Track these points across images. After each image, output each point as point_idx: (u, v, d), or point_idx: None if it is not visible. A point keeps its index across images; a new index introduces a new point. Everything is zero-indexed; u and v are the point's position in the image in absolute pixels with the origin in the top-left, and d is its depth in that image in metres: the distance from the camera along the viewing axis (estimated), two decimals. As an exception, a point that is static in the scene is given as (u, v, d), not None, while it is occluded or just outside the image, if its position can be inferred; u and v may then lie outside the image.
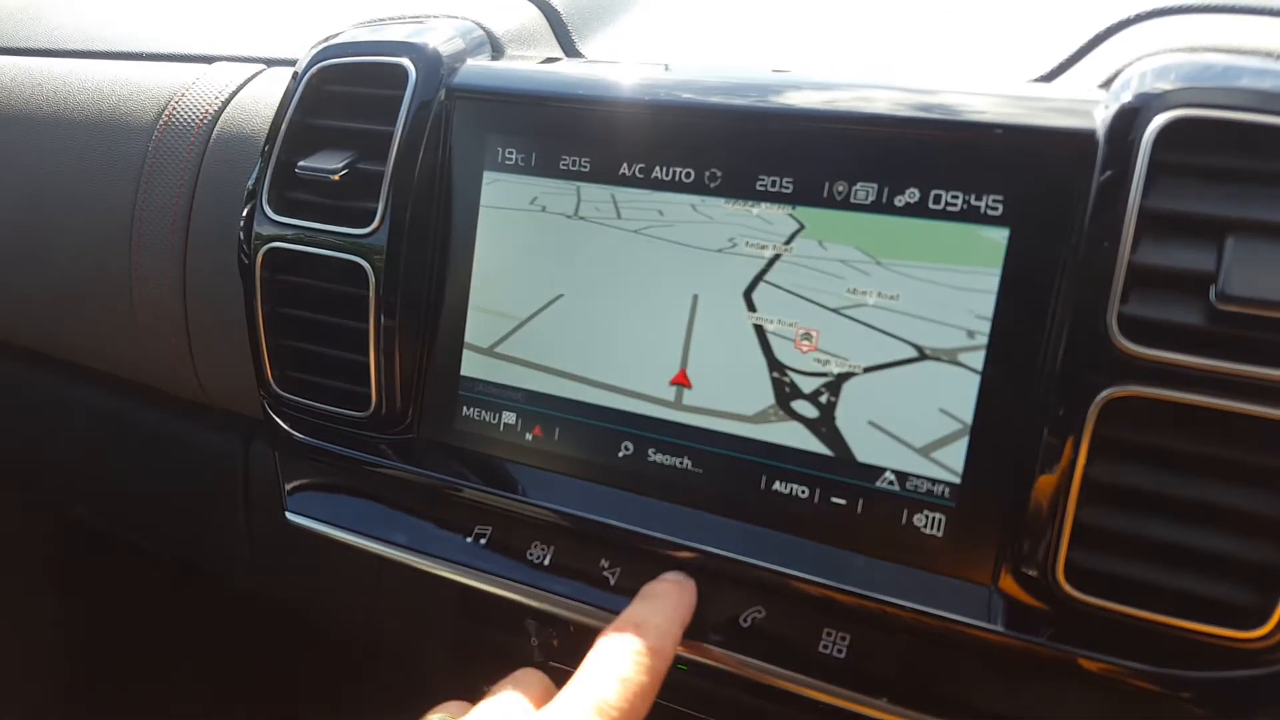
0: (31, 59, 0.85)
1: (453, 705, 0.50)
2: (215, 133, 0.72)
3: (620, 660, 0.45)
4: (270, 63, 0.75)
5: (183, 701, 1.20)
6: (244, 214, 0.63)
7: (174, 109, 0.74)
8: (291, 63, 0.66)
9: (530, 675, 0.49)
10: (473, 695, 0.75)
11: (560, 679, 0.71)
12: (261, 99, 0.72)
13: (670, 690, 0.67)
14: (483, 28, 0.62)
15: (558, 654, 0.67)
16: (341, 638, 0.93)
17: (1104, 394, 0.42)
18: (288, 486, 0.65)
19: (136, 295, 0.75)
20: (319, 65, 0.61)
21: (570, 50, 0.65)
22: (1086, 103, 0.45)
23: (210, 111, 0.73)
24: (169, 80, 0.77)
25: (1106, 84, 0.46)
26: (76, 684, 1.20)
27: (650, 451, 0.54)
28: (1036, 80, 0.51)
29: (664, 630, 0.47)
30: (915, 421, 0.48)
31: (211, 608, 1.15)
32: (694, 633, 0.52)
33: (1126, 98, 0.43)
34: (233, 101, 0.73)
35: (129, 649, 1.21)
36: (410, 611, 0.76)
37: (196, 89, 0.75)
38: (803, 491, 0.51)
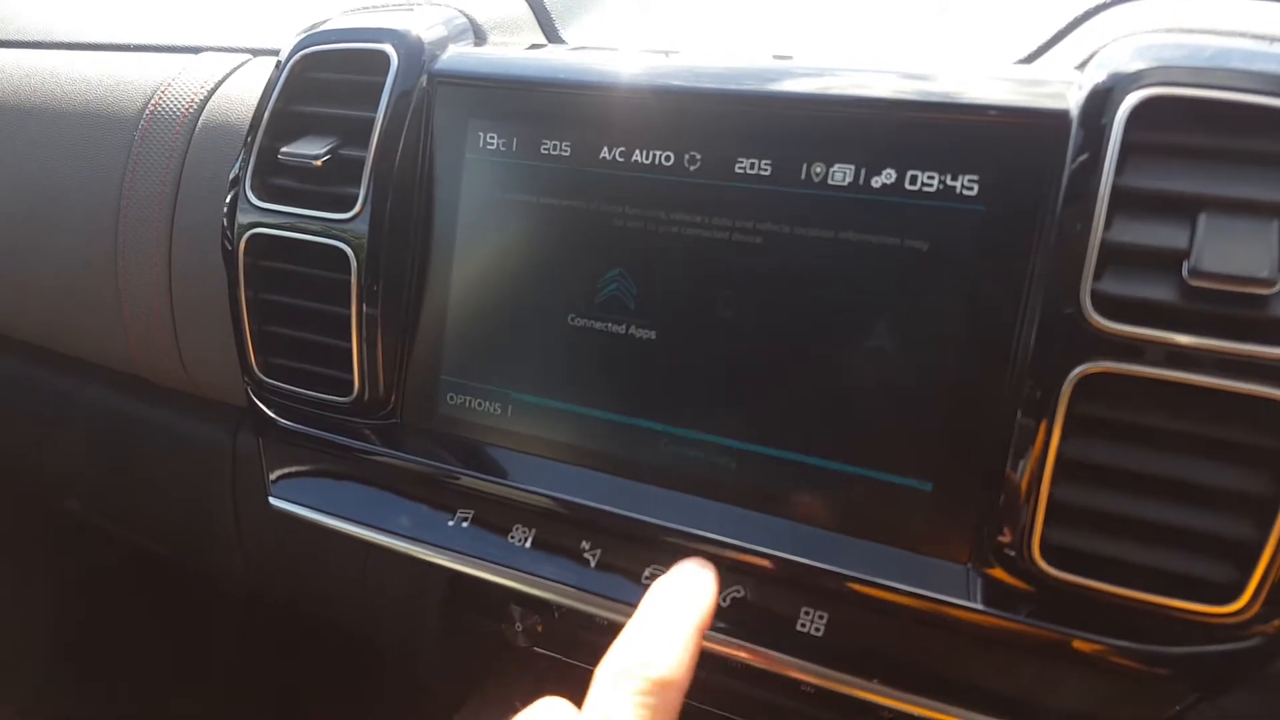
0: (18, 51, 0.85)
1: None
2: (200, 123, 0.72)
3: (620, 708, 0.37)
4: (256, 53, 0.76)
5: (170, 693, 1.20)
6: (227, 200, 0.63)
7: (160, 100, 0.74)
8: (277, 53, 0.66)
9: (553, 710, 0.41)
10: (460, 683, 0.75)
11: (545, 665, 0.71)
12: (247, 89, 0.72)
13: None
14: (465, 14, 0.62)
15: (542, 640, 0.67)
16: (329, 627, 0.93)
17: (1078, 370, 0.42)
18: (271, 473, 0.66)
19: (123, 285, 0.75)
20: (302, 52, 0.61)
21: (553, 37, 0.65)
22: (1060, 83, 0.45)
23: (196, 101, 0.73)
24: (155, 71, 0.77)
25: (1082, 65, 0.47)
26: (67, 677, 1.19)
27: (630, 435, 0.54)
28: (1016, 63, 0.52)
29: (676, 655, 0.39)
30: (891, 402, 0.48)
31: (201, 600, 1.15)
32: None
33: (1099, 77, 0.44)
34: (218, 91, 0.73)
35: (119, 642, 1.21)
36: (397, 599, 0.76)
37: (182, 79, 0.75)
38: (781, 473, 0.51)
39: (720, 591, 0.45)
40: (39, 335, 0.87)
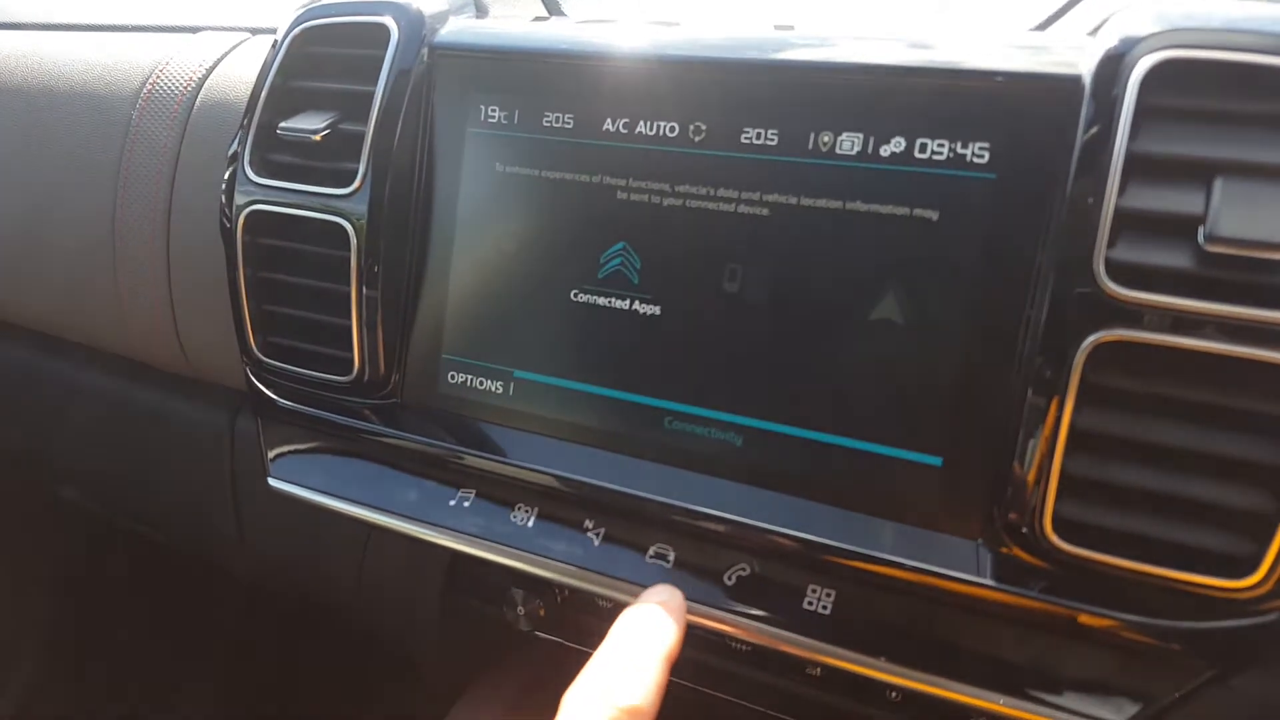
0: (15, 32, 0.85)
1: None
2: (198, 101, 0.71)
3: None
4: (255, 31, 0.75)
5: (168, 681, 1.20)
6: (225, 177, 0.63)
7: (158, 79, 0.73)
8: (276, 31, 0.65)
9: None
10: (460, 671, 0.74)
11: (546, 649, 0.70)
12: (245, 68, 0.72)
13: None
14: (466, -12, 0.61)
15: (544, 624, 0.66)
16: (328, 613, 0.93)
17: (1091, 339, 0.41)
18: (270, 453, 0.65)
19: (120, 267, 0.74)
20: (301, 26, 0.61)
21: (554, 10, 0.64)
22: (1072, 48, 0.44)
23: (194, 80, 0.72)
24: (152, 50, 0.76)
25: (1095, 32, 0.46)
26: (67, 665, 1.19)
27: (633, 412, 0.54)
28: (1031, 30, 0.51)
29: (644, 683, 0.40)
30: (900, 376, 0.48)
31: (198, 588, 1.15)
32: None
33: (1112, 42, 0.43)
34: (216, 70, 0.72)
35: (119, 630, 1.21)
36: (396, 584, 0.75)
37: (180, 58, 0.74)
38: (787, 449, 0.50)
39: (682, 625, 0.45)
40: (39, 320, 0.86)
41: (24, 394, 0.94)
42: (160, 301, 0.73)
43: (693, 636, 0.64)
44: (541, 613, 0.65)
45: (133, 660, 1.21)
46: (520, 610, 0.65)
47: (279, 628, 1.16)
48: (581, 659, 0.72)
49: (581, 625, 0.68)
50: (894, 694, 0.58)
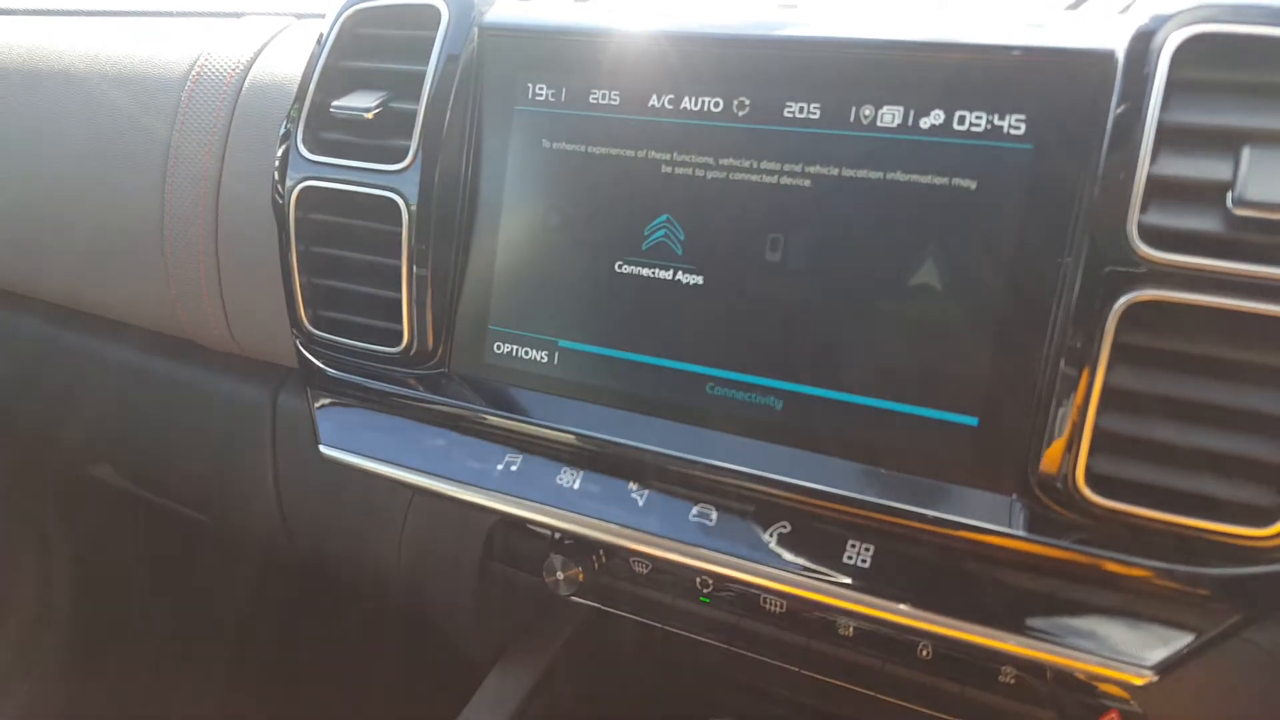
0: (64, 19, 0.87)
1: None
2: (246, 83, 0.73)
3: None
4: (299, 16, 0.77)
5: (202, 663, 1.22)
6: (279, 155, 0.65)
7: (205, 62, 0.76)
8: (320, 17, 0.67)
9: None
10: (496, 637, 0.76)
11: (580, 615, 0.72)
12: (291, 52, 0.74)
13: (694, 625, 0.69)
14: (512, -29, 0.63)
15: (583, 590, 0.68)
16: (366, 589, 0.95)
17: (1124, 299, 0.44)
18: (321, 421, 0.67)
19: (169, 246, 0.77)
20: (353, 8, 0.63)
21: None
22: (1105, 25, 0.46)
23: (241, 64, 0.74)
24: (198, 36, 0.78)
25: (1126, 10, 0.48)
26: (90, 645, 1.21)
27: (676, 379, 0.56)
28: (1065, 9, 0.53)
29: None
30: (938, 339, 0.50)
31: (233, 569, 1.17)
32: (720, 548, 0.53)
33: (1143, 20, 0.45)
34: (262, 54, 0.75)
35: (146, 613, 1.23)
36: (436, 554, 0.78)
37: (226, 43, 0.76)
38: (827, 411, 0.52)
39: None
40: (81, 299, 0.88)
41: (61, 372, 0.96)
42: (209, 279, 0.75)
43: (729, 600, 0.67)
44: (580, 577, 0.67)
45: (160, 641, 1.23)
46: (560, 575, 0.67)
47: (315, 601, 1.19)
48: (616, 623, 0.74)
49: (619, 591, 0.71)
50: (925, 651, 0.61)
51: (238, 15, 0.79)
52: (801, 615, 0.63)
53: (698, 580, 0.67)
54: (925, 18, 0.49)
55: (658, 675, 0.84)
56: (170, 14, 0.82)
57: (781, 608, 0.64)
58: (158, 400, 0.89)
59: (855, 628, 0.62)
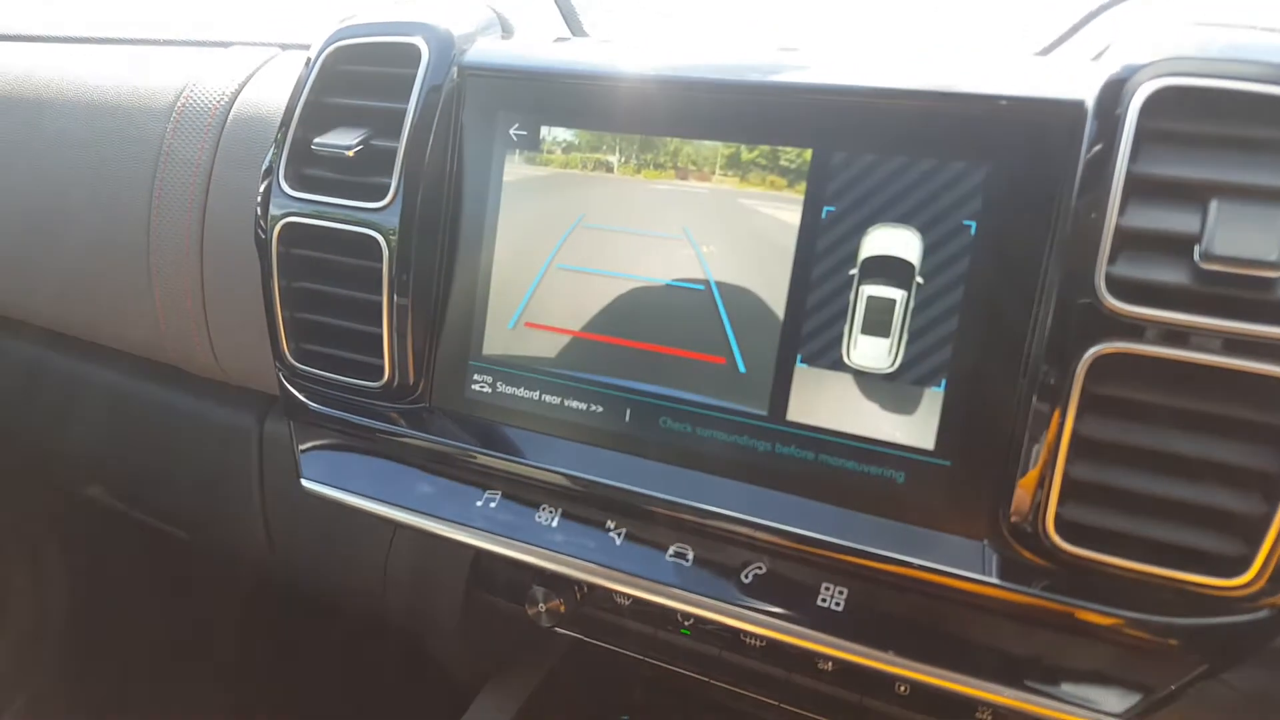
0: (52, 45, 0.87)
1: None
2: (231, 114, 0.74)
3: None
4: (285, 47, 0.77)
5: (190, 683, 1.22)
6: (261, 190, 0.65)
7: (191, 92, 0.76)
8: (306, 47, 0.68)
9: None
10: (480, 667, 0.76)
11: (564, 646, 0.73)
12: (276, 83, 0.74)
13: (676, 656, 0.69)
14: (493, 9, 0.63)
15: (564, 621, 0.69)
16: (351, 612, 0.95)
17: (1092, 351, 0.44)
18: (302, 455, 0.67)
19: (154, 274, 0.77)
20: (334, 45, 0.63)
21: (577, 30, 0.67)
22: (1075, 74, 0.47)
23: (227, 94, 0.75)
24: (184, 65, 0.79)
25: (1098, 58, 0.48)
26: (82, 664, 1.21)
27: (657, 417, 0.56)
28: (1035, 55, 0.53)
29: None
30: (911, 382, 0.50)
31: (221, 590, 1.17)
32: (696, 588, 0.54)
33: (1115, 68, 0.45)
34: (248, 85, 0.75)
35: (137, 632, 1.23)
36: (421, 582, 0.78)
37: (212, 73, 0.76)
38: (804, 454, 0.53)
39: None
40: (69, 324, 0.89)
41: (54, 394, 0.97)
42: (194, 308, 0.76)
43: (708, 633, 0.67)
44: (562, 609, 0.67)
45: (150, 660, 1.24)
46: (541, 607, 0.67)
47: (300, 626, 1.19)
48: (598, 654, 0.75)
49: (601, 622, 0.71)
50: (902, 688, 0.61)
51: (225, 45, 0.79)
52: (781, 649, 0.64)
53: (678, 613, 0.67)
54: (896, 65, 0.50)
55: (645, 698, 0.84)
56: (159, 42, 0.83)
57: (761, 642, 0.64)
58: (146, 424, 0.90)
59: (834, 663, 0.62)
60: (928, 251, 0.49)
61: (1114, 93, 0.45)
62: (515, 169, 0.59)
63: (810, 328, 0.52)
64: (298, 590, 0.96)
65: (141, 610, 1.22)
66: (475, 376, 0.61)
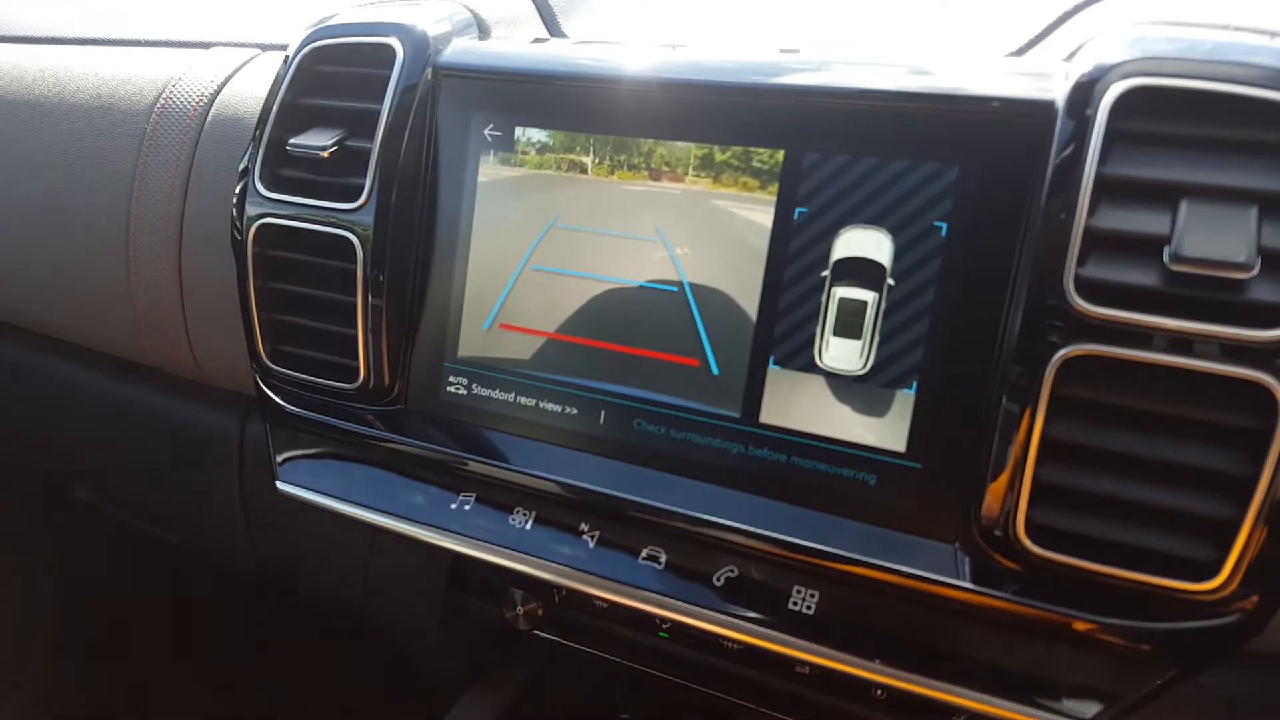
0: (32, 46, 0.87)
1: None
2: (210, 115, 0.73)
3: None
4: (265, 48, 0.77)
5: (172, 681, 1.22)
6: (237, 191, 0.65)
7: (170, 93, 0.76)
8: (285, 48, 0.68)
9: None
10: (461, 670, 0.76)
11: (545, 649, 0.72)
12: (256, 83, 0.74)
13: (655, 660, 0.69)
14: (469, 9, 0.63)
15: (543, 624, 0.68)
16: (332, 614, 0.95)
17: (1061, 353, 0.43)
18: (278, 457, 0.67)
19: (134, 275, 0.77)
20: (310, 46, 0.63)
21: (555, 31, 0.67)
22: (1046, 74, 0.46)
23: (205, 95, 0.74)
24: (166, 66, 0.78)
25: (1070, 58, 0.48)
26: (71, 666, 1.21)
27: (631, 420, 0.56)
28: (1006, 56, 0.53)
29: None
30: (882, 385, 0.50)
31: (205, 589, 1.17)
32: (668, 592, 0.53)
33: (1085, 68, 0.45)
34: (228, 85, 0.75)
35: (124, 632, 1.23)
36: (402, 584, 0.78)
37: (192, 73, 0.76)
38: (776, 456, 0.52)
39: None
40: (50, 325, 0.88)
41: (37, 396, 0.96)
42: (173, 308, 0.75)
43: (687, 635, 0.67)
44: (539, 612, 0.67)
45: (138, 660, 1.23)
46: (519, 610, 0.67)
47: (282, 628, 1.19)
48: (578, 657, 0.74)
49: (579, 624, 0.71)
50: (879, 691, 0.60)
51: (205, 46, 0.79)
52: (759, 653, 0.63)
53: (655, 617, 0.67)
54: (867, 66, 0.49)
55: (628, 698, 0.84)
56: (139, 43, 0.82)
57: (738, 645, 0.63)
58: (128, 425, 0.90)
59: (810, 667, 0.62)
60: (899, 253, 0.49)
61: (1084, 93, 0.44)
62: (490, 170, 0.59)
63: (782, 330, 0.52)
64: (278, 589, 0.96)
65: (125, 613, 1.22)
66: (450, 378, 0.61)
